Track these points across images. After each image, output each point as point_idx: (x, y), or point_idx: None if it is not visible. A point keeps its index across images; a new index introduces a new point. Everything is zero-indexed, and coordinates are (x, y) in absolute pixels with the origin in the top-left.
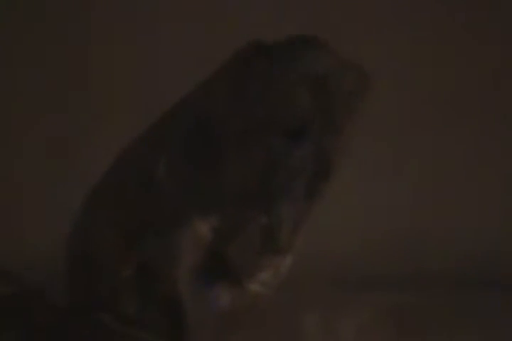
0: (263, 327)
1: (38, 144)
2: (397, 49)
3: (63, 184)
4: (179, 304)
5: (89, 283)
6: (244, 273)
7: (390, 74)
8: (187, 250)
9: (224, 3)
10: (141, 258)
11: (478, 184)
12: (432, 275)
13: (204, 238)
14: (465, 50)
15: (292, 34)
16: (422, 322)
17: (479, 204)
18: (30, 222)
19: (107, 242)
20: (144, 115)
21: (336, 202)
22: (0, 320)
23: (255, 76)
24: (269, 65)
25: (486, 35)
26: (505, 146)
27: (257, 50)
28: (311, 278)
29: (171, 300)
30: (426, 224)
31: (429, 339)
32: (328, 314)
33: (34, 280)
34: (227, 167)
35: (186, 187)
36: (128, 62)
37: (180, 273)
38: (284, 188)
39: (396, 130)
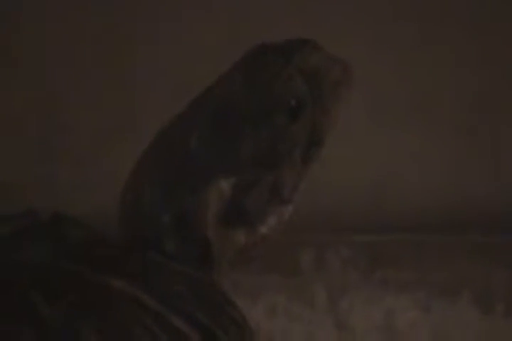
0: (267, 260)
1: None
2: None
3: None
4: (207, 242)
5: (138, 228)
6: (255, 219)
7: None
8: (213, 202)
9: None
10: (178, 208)
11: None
12: (401, 220)
13: (226, 192)
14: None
15: (290, 38)
16: (392, 257)
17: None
18: (92, 182)
19: (152, 196)
20: (177, 100)
21: (325, 163)
22: (81, 252)
23: (262, 69)
24: (272, 61)
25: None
26: None
27: (263, 50)
28: (306, 223)
29: (201, 240)
30: (399, 177)
31: (396, 268)
32: (318, 251)
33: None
34: (243, 139)
35: (213, 154)
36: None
37: (208, 219)
38: (286, 154)
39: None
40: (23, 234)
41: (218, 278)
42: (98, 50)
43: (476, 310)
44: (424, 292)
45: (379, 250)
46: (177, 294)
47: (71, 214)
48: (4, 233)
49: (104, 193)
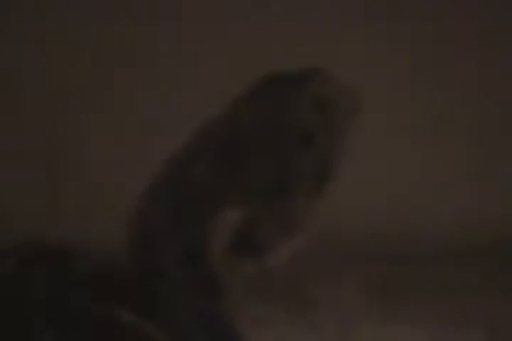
0: (276, 291)
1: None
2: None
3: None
4: (216, 273)
5: (146, 259)
6: (264, 250)
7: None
8: (221, 232)
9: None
10: (186, 239)
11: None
12: (415, 249)
13: (234, 223)
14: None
15: (301, 67)
16: (404, 289)
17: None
18: (99, 212)
19: (160, 226)
20: (184, 131)
21: (337, 192)
22: (87, 283)
23: (273, 99)
24: (283, 91)
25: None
26: None
27: (273, 79)
28: (317, 253)
29: (209, 271)
30: (412, 212)
31: (408, 300)
32: (327, 282)
33: (106, 257)
34: (252, 168)
35: (221, 184)
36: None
37: (216, 249)
38: (296, 184)
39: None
40: (29, 265)
41: (227, 309)
42: (105, 82)
43: (487, 340)
44: (436, 324)
45: (390, 281)
46: (186, 327)
47: (78, 246)
48: (11, 265)
49: (111, 222)
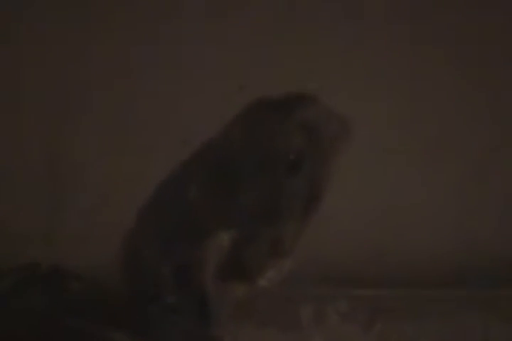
0: (266, 314)
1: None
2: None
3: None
4: (206, 295)
5: (138, 281)
6: (254, 272)
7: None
8: (211, 255)
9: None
10: (177, 261)
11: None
12: (401, 274)
13: (225, 246)
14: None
15: (289, 91)
16: (391, 311)
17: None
18: (95, 234)
19: (151, 249)
20: (178, 153)
21: (324, 216)
22: (82, 305)
23: (262, 124)
24: (271, 116)
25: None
26: None
27: (262, 104)
28: (305, 276)
29: (200, 293)
30: (400, 236)
31: (395, 322)
32: (317, 305)
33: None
34: (242, 192)
35: (212, 207)
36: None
37: (206, 272)
38: (285, 207)
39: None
40: (23, 286)
41: (217, 331)
42: (103, 105)
43: None
44: None
45: (378, 304)
46: None
47: (72, 267)
48: (6, 285)
49: (107, 245)
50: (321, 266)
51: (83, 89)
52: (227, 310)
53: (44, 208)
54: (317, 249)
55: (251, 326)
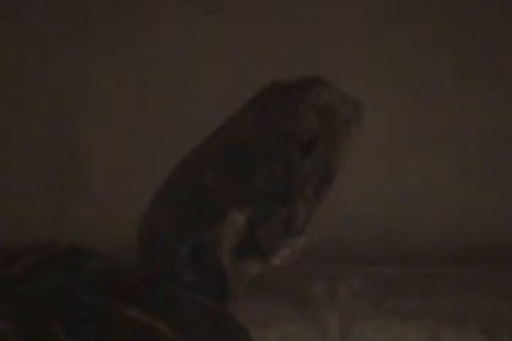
0: (280, 290)
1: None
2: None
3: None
4: (223, 274)
5: (156, 260)
6: (269, 250)
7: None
8: (228, 234)
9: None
10: (194, 241)
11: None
12: (413, 252)
13: (241, 226)
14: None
15: (302, 75)
16: (402, 288)
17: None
18: (109, 216)
19: (169, 229)
20: (191, 138)
21: (337, 199)
22: (100, 283)
23: (275, 107)
24: (284, 99)
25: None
26: None
27: (275, 88)
28: (318, 255)
29: (216, 271)
30: (411, 208)
31: (405, 299)
32: (330, 282)
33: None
34: (256, 174)
35: (227, 189)
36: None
37: (223, 250)
38: (299, 188)
39: None
40: (41, 264)
41: (233, 308)
42: (114, 93)
43: (483, 339)
44: (432, 321)
45: (389, 281)
46: (193, 323)
47: (88, 246)
48: (23, 264)
49: (121, 227)
50: (334, 245)
51: (91, 79)
52: (243, 287)
53: (56, 193)
54: (330, 229)
55: (265, 302)
